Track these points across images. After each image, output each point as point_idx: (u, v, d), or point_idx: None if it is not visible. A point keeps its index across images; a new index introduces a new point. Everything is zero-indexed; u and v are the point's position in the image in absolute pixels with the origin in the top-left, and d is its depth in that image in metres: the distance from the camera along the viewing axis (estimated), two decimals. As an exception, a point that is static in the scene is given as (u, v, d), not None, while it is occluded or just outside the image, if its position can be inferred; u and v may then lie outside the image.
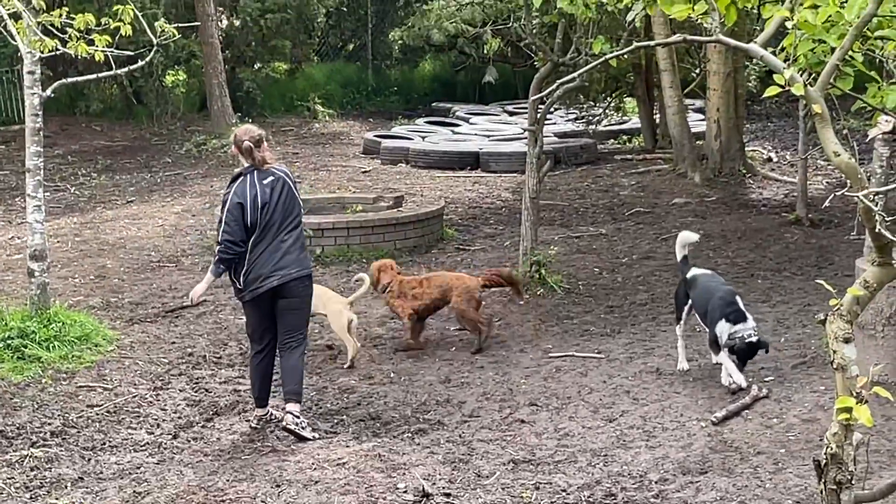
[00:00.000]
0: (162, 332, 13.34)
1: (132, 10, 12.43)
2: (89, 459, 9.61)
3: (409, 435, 10.05)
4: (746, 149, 24.44)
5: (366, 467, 9.21)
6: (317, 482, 8.91)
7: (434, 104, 37.33)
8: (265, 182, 10.19)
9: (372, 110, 36.97)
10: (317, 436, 10.08)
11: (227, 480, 9.01)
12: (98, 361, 12.06)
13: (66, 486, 9.03)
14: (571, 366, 11.84)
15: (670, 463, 9.20)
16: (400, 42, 35.19)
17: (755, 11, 7.27)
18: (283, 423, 10.09)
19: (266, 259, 10.13)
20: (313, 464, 9.31)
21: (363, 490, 8.73)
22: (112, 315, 13.92)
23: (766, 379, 11.08)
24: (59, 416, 10.58)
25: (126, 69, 13.45)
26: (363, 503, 8.50)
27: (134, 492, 8.84)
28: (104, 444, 9.95)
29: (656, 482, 8.83)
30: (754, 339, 10.55)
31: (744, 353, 10.58)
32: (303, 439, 9.96)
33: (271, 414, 10.48)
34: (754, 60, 23.62)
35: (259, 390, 10.50)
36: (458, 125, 32.49)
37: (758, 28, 6.32)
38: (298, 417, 10.11)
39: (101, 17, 12.44)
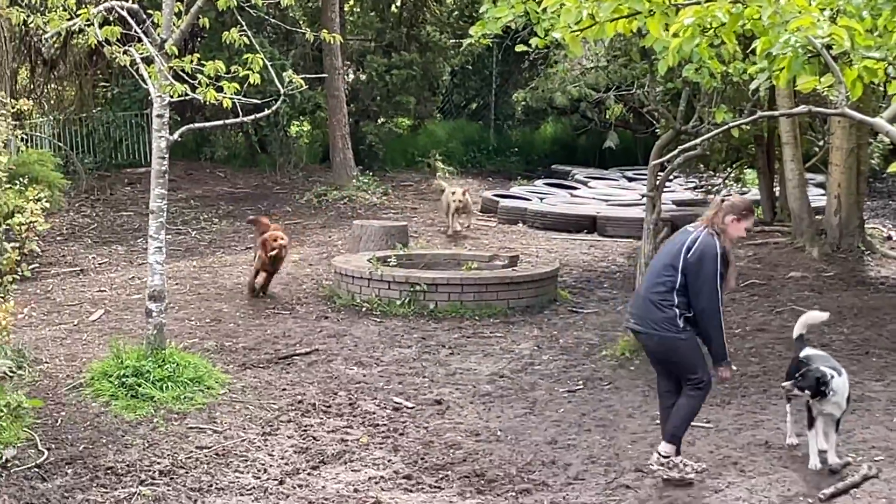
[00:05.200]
0: (273, 378, 13.40)
1: (262, 59, 12.58)
2: (196, 500, 9.65)
3: (514, 494, 9.99)
4: (866, 226, 24.12)
5: (468, 524, 9.18)
6: (418, 536, 8.90)
7: (553, 166, 37.34)
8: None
9: (492, 169, 37.02)
10: (692, 475, 10.21)
11: (330, 529, 9.02)
12: (209, 404, 12.14)
13: (171, 526, 9.09)
14: (679, 434, 11.72)
15: (775, 537, 9.08)
16: (523, 103, 35.26)
17: (881, 88, 7.20)
18: (649, 464, 10.37)
19: None
20: (416, 517, 9.30)
21: (464, 546, 8.71)
22: (225, 359, 14.01)
23: (877, 458, 10.90)
24: (168, 455, 10.65)
25: (252, 117, 13.54)
26: (463, 560, 8.47)
27: (238, 535, 8.89)
28: (211, 486, 9.99)
29: (760, 556, 8.72)
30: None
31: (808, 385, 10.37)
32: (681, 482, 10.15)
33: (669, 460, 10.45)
34: (879, 136, 23.44)
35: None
36: (576, 188, 32.50)
37: (883, 105, 6.28)
38: (666, 458, 10.25)
39: (230, 65, 12.58)
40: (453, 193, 23.96)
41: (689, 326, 10.09)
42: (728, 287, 10.28)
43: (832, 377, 10.43)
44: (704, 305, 9.98)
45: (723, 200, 10.43)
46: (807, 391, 10.39)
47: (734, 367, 10.40)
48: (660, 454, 10.32)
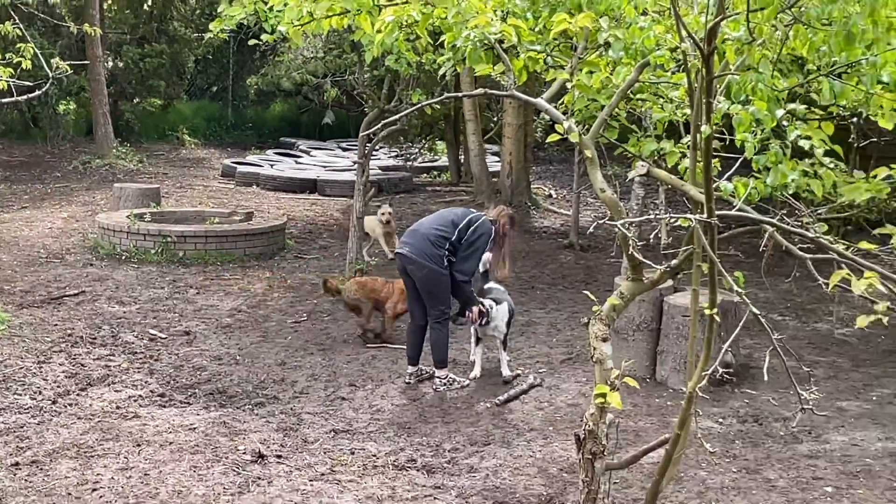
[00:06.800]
0: (47, 315, 13.02)
1: (32, 48, 12.19)
2: (-20, 419, 9.35)
3: (250, 407, 9.95)
4: (532, 186, 24.71)
5: (213, 432, 9.11)
6: (171, 443, 8.79)
7: (281, 139, 37.23)
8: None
9: (230, 141, 36.70)
10: (466, 384, 10.75)
11: (97, 439, 8.83)
12: (-9, 338, 11.76)
13: (-41, 441, 8.77)
14: (385, 355, 11.83)
15: (461, 436, 9.25)
16: (255, 87, 35.03)
17: (542, 75, 7.37)
18: (434, 387, 10.67)
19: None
20: (169, 428, 9.18)
21: (210, 450, 8.63)
22: (4, 300, 13.55)
23: (540, 371, 11.21)
24: (-45, 382, 10.29)
25: (25, 97, 13.10)
26: (209, 461, 8.40)
27: (17, 447, 8.61)
28: (-7, 406, 9.69)
29: (449, 450, 8.87)
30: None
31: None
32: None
33: (421, 370, 10.92)
34: (541, 114, 23.96)
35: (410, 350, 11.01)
36: (300, 157, 32.46)
37: (544, 88, 6.39)
38: (444, 378, 10.69)
39: (5, 52, 12.16)
40: (382, 214, 17.08)
41: (449, 267, 10.48)
42: (507, 270, 11.39)
43: (491, 307, 10.79)
44: (466, 268, 10.51)
45: (503, 209, 11.08)
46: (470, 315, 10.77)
47: (477, 309, 10.72)
48: (439, 378, 10.69)
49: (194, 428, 9.24)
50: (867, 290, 5.11)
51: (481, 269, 11.22)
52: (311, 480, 8.15)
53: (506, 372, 10.93)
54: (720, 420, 9.77)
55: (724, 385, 10.30)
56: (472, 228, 10.49)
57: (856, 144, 15.82)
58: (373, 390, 10.56)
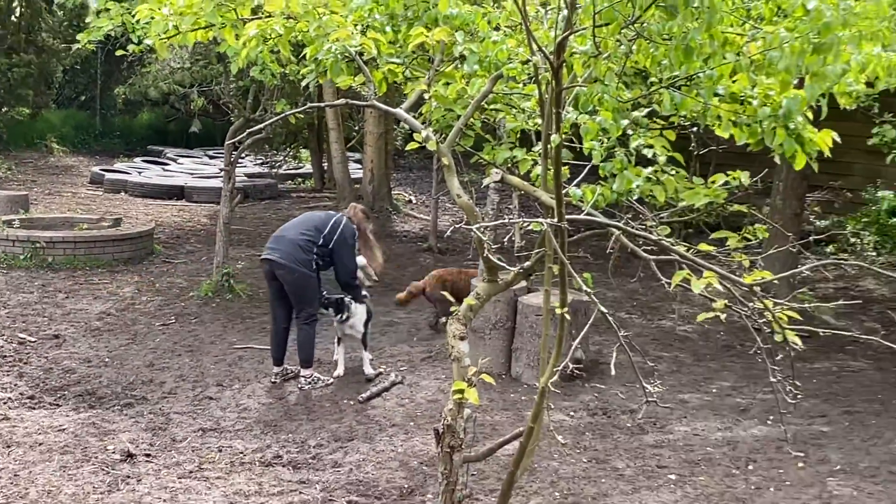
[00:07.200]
0: (-85, 321, 12.68)
1: None
2: None
3: (119, 407, 9.80)
4: (393, 192, 24.73)
5: (82, 433, 8.95)
6: (41, 444, 8.61)
7: (149, 147, 36.73)
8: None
9: (98, 149, 36.04)
10: (328, 382, 10.76)
11: (-34, 442, 8.62)
12: None
13: None
14: (251, 355, 11.74)
15: (326, 432, 9.23)
16: (123, 96, 34.51)
17: (402, 86, 7.40)
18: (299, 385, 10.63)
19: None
20: (39, 429, 8.99)
21: (79, 451, 8.49)
22: None
23: (401, 369, 11.24)
24: None
25: None
26: (79, 461, 8.25)
27: None
28: None
29: (314, 446, 8.85)
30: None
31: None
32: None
33: (286, 370, 10.92)
34: (401, 123, 24.04)
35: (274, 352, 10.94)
36: (168, 164, 32.08)
37: (404, 99, 6.43)
38: (308, 377, 10.64)
39: None
40: None
41: (318, 271, 10.52)
42: (380, 259, 11.47)
43: (351, 304, 10.84)
44: (348, 268, 10.66)
45: (355, 206, 11.19)
46: (331, 309, 10.80)
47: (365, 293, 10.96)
48: (304, 377, 10.65)
49: (64, 429, 9.07)
50: (706, 288, 5.22)
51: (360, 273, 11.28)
52: (179, 478, 8.07)
53: (368, 370, 10.95)
54: (571, 413, 9.91)
55: (574, 380, 10.44)
56: (337, 232, 10.52)
57: (696, 152, 16.22)
58: (240, 390, 10.48)
